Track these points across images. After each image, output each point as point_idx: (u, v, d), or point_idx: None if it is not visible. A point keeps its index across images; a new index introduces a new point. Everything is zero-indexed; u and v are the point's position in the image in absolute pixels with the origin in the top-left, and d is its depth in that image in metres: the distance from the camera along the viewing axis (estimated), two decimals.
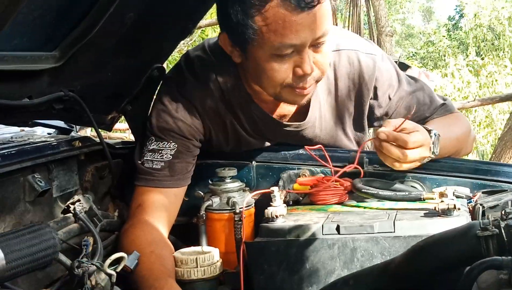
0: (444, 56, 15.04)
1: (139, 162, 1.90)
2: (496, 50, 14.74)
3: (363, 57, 1.94)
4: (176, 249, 1.73)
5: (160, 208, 1.85)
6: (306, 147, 1.87)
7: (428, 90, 2.05)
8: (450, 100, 2.11)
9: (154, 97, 1.99)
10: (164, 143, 1.89)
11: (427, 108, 2.00)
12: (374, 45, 2.03)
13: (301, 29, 1.65)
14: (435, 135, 1.74)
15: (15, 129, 2.35)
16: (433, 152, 1.74)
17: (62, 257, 1.49)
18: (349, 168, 1.81)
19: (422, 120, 1.96)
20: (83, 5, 1.61)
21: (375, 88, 1.97)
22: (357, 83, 1.95)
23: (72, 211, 1.74)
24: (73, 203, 1.76)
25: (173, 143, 1.89)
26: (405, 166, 1.71)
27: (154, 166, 1.88)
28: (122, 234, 1.80)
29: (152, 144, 1.90)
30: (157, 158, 1.88)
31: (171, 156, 1.88)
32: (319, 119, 1.96)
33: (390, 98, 1.98)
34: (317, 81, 1.80)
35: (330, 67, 1.92)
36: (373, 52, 1.96)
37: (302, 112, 1.95)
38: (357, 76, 1.94)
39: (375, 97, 1.98)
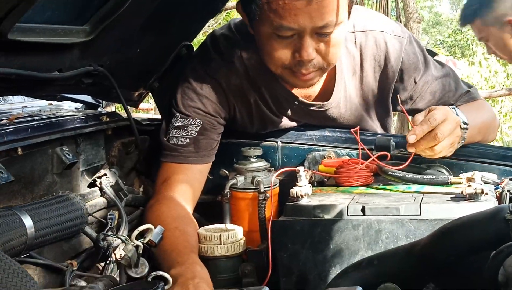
0: (472, 45, 14.84)
1: (165, 138, 1.91)
2: None
3: (390, 39, 1.92)
4: (200, 226, 1.74)
5: (185, 184, 1.86)
6: (351, 130, 1.85)
7: (454, 76, 2.04)
8: (475, 88, 2.10)
9: (180, 75, 1.99)
10: (189, 120, 1.90)
11: (452, 95, 1.99)
12: (402, 27, 2.01)
13: (299, 14, 1.64)
14: (464, 124, 1.73)
15: (43, 102, 2.37)
16: (463, 138, 1.73)
17: (88, 229, 1.51)
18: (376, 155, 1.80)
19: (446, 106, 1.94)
20: None
21: (401, 71, 1.95)
22: (383, 65, 1.94)
23: (98, 185, 1.77)
24: (99, 177, 1.78)
25: (198, 120, 1.89)
26: (441, 155, 1.70)
27: (179, 143, 1.89)
28: (147, 209, 1.81)
29: (178, 121, 1.90)
30: (182, 135, 1.89)
31: (196, 133, 1.89)
32: (344, 99, 1.96)
33: (415, 82, 1.97)
34: (321, 69, 1.79)
35: (357, 48, 1.92)
36: (401, 34, 1.95)
37: (327, 92, 1.94)
38: (383, 58, 1.93)
39: (401, 80, 1.97)
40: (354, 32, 1.91)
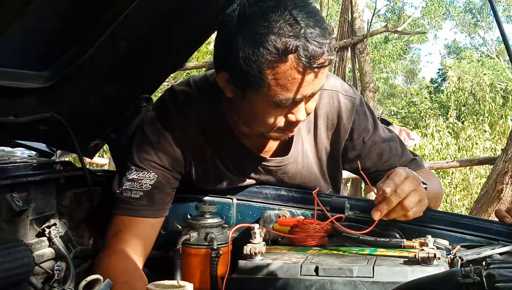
0: (425, 117, 15.24)
1: (118, 191, 1.88)
2: (476, 114, 14.99)
3: (343, 98, 1.98)
4: (149, 282, 1.69)
5: (136, 238, 1.83)
6: (313, 192, 1.86)
7: (400, 142, 2.10)
8: (419, 157, 2.15)
9: (137, 127, 1.98)
10: (144, 173, 1.88)
11: (398, 159, 2.03)
12: (354, 89, 2.07)
13: (306, 85, 1.69)
14: (423, 184, 1.76)
15: None
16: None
17: (34, 280, 1.46)
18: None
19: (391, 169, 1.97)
20: (77, 29, 1.61)
21: (352, 130, 2.00)
22: (335, 124, 1.98)
23: (47, 235, 1.72)
24: (48, 227, 1.74)
25: (153, 173, 1.88)
26: (412, 216, 1.70)
27: (132, 195, 1.86)
28: (96, 262, 1.76)
29: (132, 174, 1.88)
30: (136, 187, 1.86)
31: (150, 186, 1.87)
32: (301, 155, 1.98)
33: (364, 142, 2.01)
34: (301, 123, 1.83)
35: None
36: (353, 95, 2.00)
37: (284, 148, 1.96)
38: (336, 116, 1.98)
39: (351, 138, 2.01)
40: None
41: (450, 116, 14.00)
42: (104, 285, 1.43)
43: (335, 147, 2.01)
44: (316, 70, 1.66)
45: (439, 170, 9.91)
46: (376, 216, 1.67)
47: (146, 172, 1.88)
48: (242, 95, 1.75)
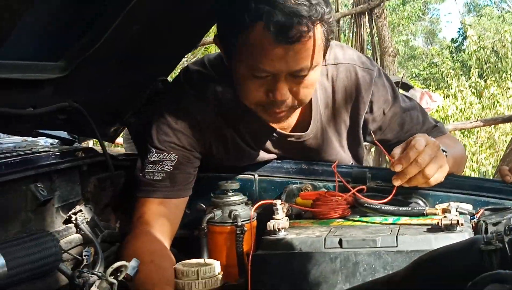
0: (447, 77, 15.05)
1: (141, 174, 1.90)
2: (498, 72, 14.79)
3: (361, 71, 1.96)
4: (177, 262, 1.72)
5: (161, 219, 1.85)
6: (332, 166, 1.86)
7: (421, 110, 2.08)
8: (442, 123, 2.14)
9: (155, 110, 1.99)
10: (165, 155, 1.90)
11: (420, 128, 2.02)
12: (372, 60, 2.05)
13: (276, 59, 1.66)
14: (443, 151, 1.75)
15: (18, 139, 2.35)
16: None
17: (63, 266, 1.48)
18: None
19: None
20: (89, 16, 1.61)
21: (371, 102, 1.98)
22: (354, 97, 1.97)
23: (74, 221, 1.75)
24: (74, 213, 1.77)
25: (174, 154, 1.89)
26: (433, 183, 1.71)
27: (155, 177, 1.88)
28: (123, 245, 1.79)
29: (153, 156, 1.90)
30: (158, 170, 1.89)
31: (171, 167, 1.89)
32: (321, 131, 1.98)
33: (384, 113, 2.00)
34: (293, 108, 1.82)
35: (328, 81, 1.95)
36: (371, 67, 1.98)
37: (303, 124, 1.96)
38: (354, 89, 1.96)
39: (371, 111, 2.00)
40: (326, 66, 1.94)
41: (472, 75, 13.83)
42: (132, 265, 1.44)
43: (354, 121, 2.00)
44: (283, 43, 1.63)
45: (464, 130, 9.83)
46: (397, 183, 1.69)
47: (167, 154, 1.89)
48: (228, 61, 1.78)
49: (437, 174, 1.70)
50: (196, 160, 1.94)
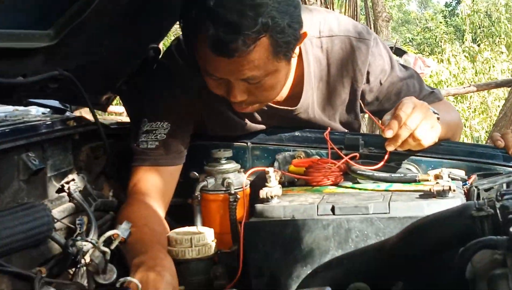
0: (441, 42, 15.00)
1: (135, 144, 1.91)
2: (492, 36, 14.73)
3: (356, 43, 1.94)
4: (171, 230, 1.73)
5: (155, 186, 1.86)
6: (325, 134, 1.86)
7: (418, 78, 2.07)
8: (438, 90, 2.13)
9: (147, 79, 1.98)
10: (158, 123, 1.90)
11: (417, 96, 2.00)
12: (368, 29, 2.03)
13: (219, 68, 1.69)
14: (434, 113, 1.75)
15: (9, 108, 2.33)
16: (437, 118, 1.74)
17: (57, 235, 1.49)
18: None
19: None
20: None
21: (368, 73, 1.97)
22: (350, 70, 1.95)
23: (67, 191, 1.75)
24: (67, 183, 1.76)
25: (167, 123, 1.90)
26: (426, 144, 1.71)
27: (149, 146, 1.89)
28: (118, 213, 1.81)
29: (146, 126, 1.91)
30: (151, 138, 1.89)
31: (165, 135, 1.89)
32: (312, 105, 1.97)
33: (381, 83, 1.98)
34: (258, 104, 1.85)
35: (323, 53, 1.94)
36: (367, 37, 1.96)
37: (295, 97, 1.95)
38: (350, 62, 1.95)
39: (367, 81, 1.98)
40: (320, 38, 1.93)
41: (466, 40, 13.79)
42: (123, 227, 1.44)
43: (351, 94, 1.99)
44: (220, 56, 1.64)
45: (457, 95, 9.82)
46: (390, 148, 1.70)
47: (160, 122, 1.90)
48: None
49: (429, 135, 1.70)
50: (189, 129, 1.94)
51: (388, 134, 1.67)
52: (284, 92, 1.94)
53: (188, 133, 1.94)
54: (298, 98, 1.94)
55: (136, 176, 1.88)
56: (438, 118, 1.75)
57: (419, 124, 1.67)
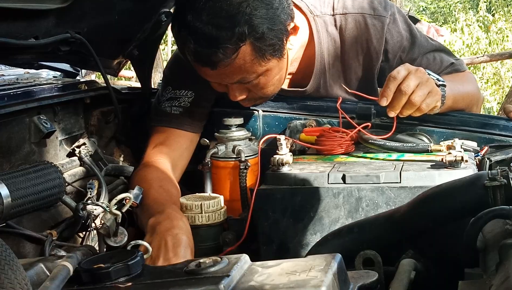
0: (454, 11, 14.81)
1: (158, 106, 1.93)
2: (507, 6, 14.54)
3: (371, 20, 1.92)
4: (181, 196, 1.73)
5: (177, 150, 1.89)
6: (337, 104, 1.84)
7: (442, 50, 2.04)
8: (461, 61, 2.09)
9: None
10: (182, 91, 1.92)
11: (438, 68, 1.98)
12: (387, 5, 1.97)
13: (209, 76, 1.75)
14: (438, 80, 1.74)
15: (20, 71, 2.33)
16: (443, 96, 1.74)
17: (67, 198, 1.50)
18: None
19: None
20: None
21: (386, 51, 1.95)
22: (365, 48, 1.94)
23: (77, 154, 1.75)
24: (78, 146, 1.77)
25: (191, 92, 1.91)
26: (425, 108, 1.70)
27: (173, 112, 1.91)
28: (135, 172, 1.83)
29: (170, 93, 1.93)
30: (175, 105, 1.91)
31: (189, 104, 1.91)
32: (323, 85, 1.96)
33: (401, 60, 1.95)
34: (259, 100, 1.88)
35: (337, 30, 1.94)
36: (383, 13, 1.93)
37: (305, 76, 1.95)
38: (365, 40, 1.93)
39: (386, 59, 1.96)
40: (333, 15, 1.92)
41: (480, 9, 13.60)
42: (135, 192, 1.45)
43: (367, 72, 1.97)
44: (204, 66, 1.69)
45: (470, 65, 9.75)
46: (391, 114, 1.70)
47: (184, 90, 1.91)
48: None
49: (428, 100, 1.69)
50: (211, 98, 1.95)
51: (382, 102, 1.68)
52: (294, 76, 1.95)
53: (210, 103, 1.96)
54: (310, 78, 1.94)
55: (159, 137, 1.90)
56: (440, 85, 1.74)
57: (414, 89, 1.66)
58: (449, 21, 15.43)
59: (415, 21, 8.94)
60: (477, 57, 7.77)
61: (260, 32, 1.66)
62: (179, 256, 1.40)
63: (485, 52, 10.06)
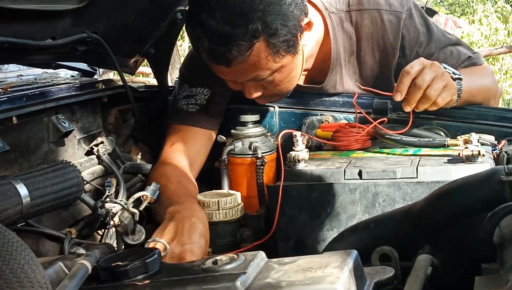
0: (472, 2, 14.69)
1: (175, 105, 1.94)
2: None
3: (387, 16, 1.92)
4: (198, 192, 1.74)
5: (194, 148, 1.90)
6: (353, 99, 1.86)
7: (459, 44, 2.03)
8: (478, 54, 2.08)
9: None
10: (198, 89, 1.92)
11: (455, 62, 1.97)
12: (403, 0, 1.96)
13: (224, 74, 1.75)
14: (454, 74, 1.74)
15: (38, 71, 2.35)
16: (459, 89, 1.74)
17: (86, 197, 1.51)
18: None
19: None
20: None
21: (402, 47, 1.94)
22: (381, 44, 1.94)
23: (96, 153, 1.77)
24: (96, 145, 1.78)
25: (207, 89, 1.92)
26: (441, 102, 1.70)
27: (189, 110, 1.92)
28: (153, 170, 1.84)
29: (186, 91, 1.93)
30: (192, 102, 1.92)
31: (205, 101, 1.92)
32: (340, 81, 1.96)
33: (418, 55, 1.94)
34: (275, 97, 1.89)
35: (353, 27, 1.94)
36: (399, 9, 1.93)
37: (322, 73, 1.95)
38: (381, 37, 1.93)
39: (403, 55, 1.95)
40: (349, 12, 1.92)
41: (499, 0, 13.47)
42: (151, 188, 1.47)
43: (384, 68, 1.97)
44: (218, 64, 1.70)
45: (488, 57, 9.66)
46: (406, 109, 1.72)
47: (200, 88, 1.92)
48: None
49: (443, 94, 1.70)
50: (228, 95, 1.96)
51: (397, 97, 1.70)
52: (310, 72, 1.95)
53: (226, 100, 1.97)
54: (326, 74, 1.94)
55: (176, 135, 1.91)
56: (456, 79, 1.74)
57: (429, 83, 1.66)
58: (467, 12, 15.29)
59: (433, 13, 8.89)
60: (496, 48, 7.70)
61: (274, 28, 1.66)
62: (193, 241, 1.41)
63: (503, 43, 9.96)
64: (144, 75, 8.19)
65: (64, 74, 2.31)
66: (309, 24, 1.79)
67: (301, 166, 1.58)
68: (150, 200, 1.43)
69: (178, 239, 1.41)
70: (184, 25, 1.83)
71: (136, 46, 2.03)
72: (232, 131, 1.86)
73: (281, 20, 1.67)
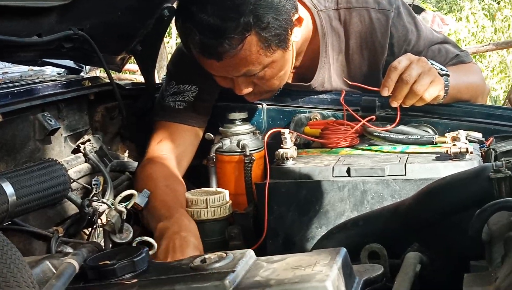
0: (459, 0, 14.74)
1: (162, 102, 1.93)
2: None
3: (375, 15, 1.91)
4: (186, 190, 1.73)
5: (181, 146, 1.89)
6: (341, 98, 1.84)
7: (447, 42, 2.03)
8: (467, 52, 2.08)
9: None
10: (186, 86, 1.91)
11: (443, 60, 1.97)
12: None
13: (214, 69, 1.74)
14: (441, 70, 1.75)
15: (24, 68, 2.34)
16: (447, 85, 1.75)
17: (73, 195, 1.50)
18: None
19: None
20: None
21: (391, 45, 1.94)
22: (370, 42, 1.93)
23: (82, 151, 1.76)
24: (83, 143, 1.77)
25: (194, 86, 1.91)
26: (428, 98, 1.71)
27: (176, 107, 1.90)
28: (140, 168, 1.83)
29: (173, 88, 1.92)
30: (179, 99, 1.91)
31: (193, 98, 1.91)
32: (328, 79, 1.95)
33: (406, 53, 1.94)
34: (266, 93, 1.87)
35: (341, 25, 1.93)
36: (387, 7, 1.93)
37: (310, 71, 1.94)
38: (369, 35, 1.93)
39: (392, 53, 1.94)
40: (338, 10, 1.91)
41: None
42: (142, 195, 1.46)
43: (372, 66, 1.96)
44: (210, 58, 1.69)
45: (475, 54, 9.70)
46: (393, 104, 1.72)
47: (187, 85, 1.91)
48: None
49: (430, 89, 1.70)
50: (215, 92, 1.95)
51: (384, 92, 1.70)
52: (297, 70, 1.95)
53: (213, 97, 1.96)
54: (314, 72, 1.93)
55: (162, 132, 1.89)
56: (443, 75, 1.74)
57: (417, 78, 1.67)
58: (454, 9, 15.34)
59: (420, 10, 8.90)
60: (483, 46, 7.73)
61: (266, 22, 1.66)
62: (187, 256, 1.40)
63: (490, 40, 10.01)
64: (131, 72, 8.15)
65: (50, 71, 2.29)
66: (299, 20, 1.79)
67: (289, 163, 1.58)
68: (137, 206, 1.43)
69: (172, 257, 1.40)
70: (173, 21, 1.82)
71: (122, 43, 2.01)
72: (220, 128, 1.86)
73: (273, 14, 1.67)
